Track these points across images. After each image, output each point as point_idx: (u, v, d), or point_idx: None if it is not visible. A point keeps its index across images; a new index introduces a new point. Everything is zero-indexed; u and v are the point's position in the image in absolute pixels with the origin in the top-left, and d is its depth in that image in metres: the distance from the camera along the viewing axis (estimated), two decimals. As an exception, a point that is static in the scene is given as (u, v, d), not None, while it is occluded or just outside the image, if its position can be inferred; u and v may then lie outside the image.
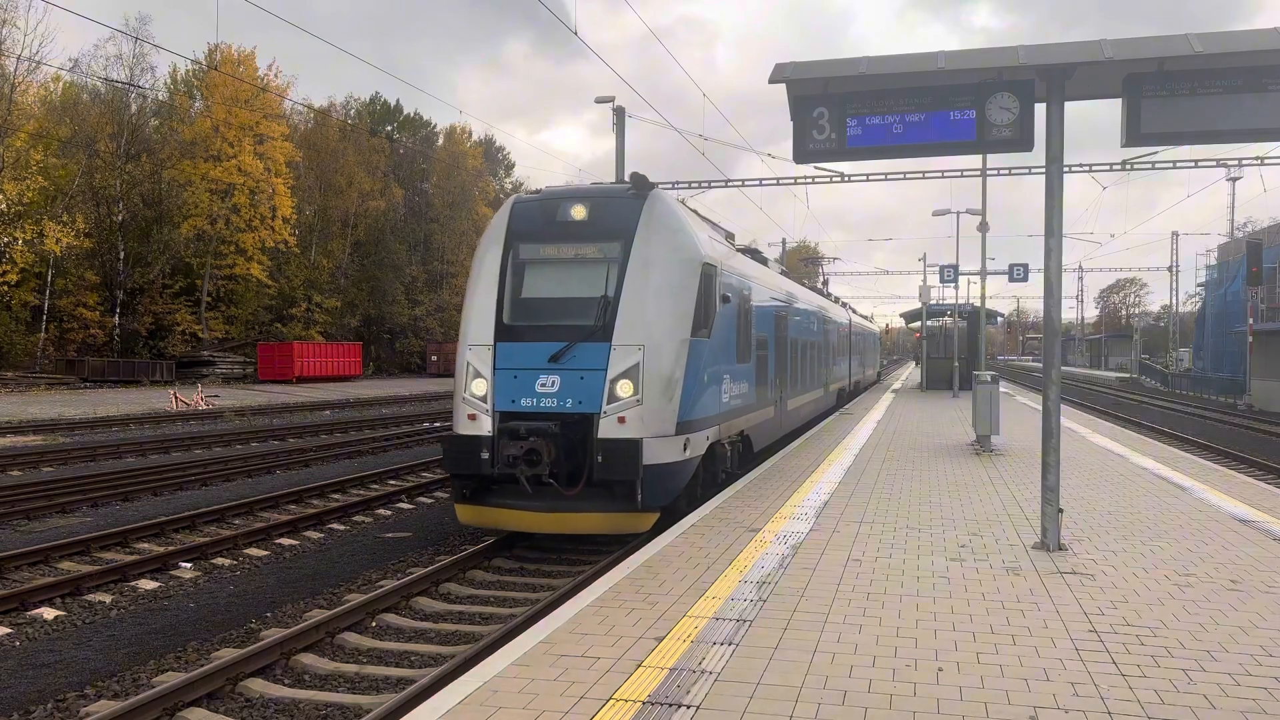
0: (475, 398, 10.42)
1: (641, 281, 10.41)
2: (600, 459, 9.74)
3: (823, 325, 24.50)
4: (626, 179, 12.20)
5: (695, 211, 13.38)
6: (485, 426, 10.22)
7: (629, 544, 10.50)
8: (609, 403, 9.94)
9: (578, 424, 10.06)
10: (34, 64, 48.04)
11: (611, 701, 4.92)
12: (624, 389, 9.94)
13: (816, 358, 23.00)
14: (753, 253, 17.30)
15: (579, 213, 10.94)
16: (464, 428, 10.41)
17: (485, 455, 10.10)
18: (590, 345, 10.19)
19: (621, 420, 9.86)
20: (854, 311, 39.76)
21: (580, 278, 10.73)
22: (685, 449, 10.47)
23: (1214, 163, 35.89)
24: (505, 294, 10.83)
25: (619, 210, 10.90)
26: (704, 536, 8.99)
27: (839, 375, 29.29)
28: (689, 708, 4.82)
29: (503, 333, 10.63)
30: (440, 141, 77.36)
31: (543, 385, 10.16)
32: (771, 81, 8.46)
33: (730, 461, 13.04)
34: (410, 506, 14.84)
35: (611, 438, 9.79)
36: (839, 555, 8.24)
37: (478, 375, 10.47)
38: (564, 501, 9.98)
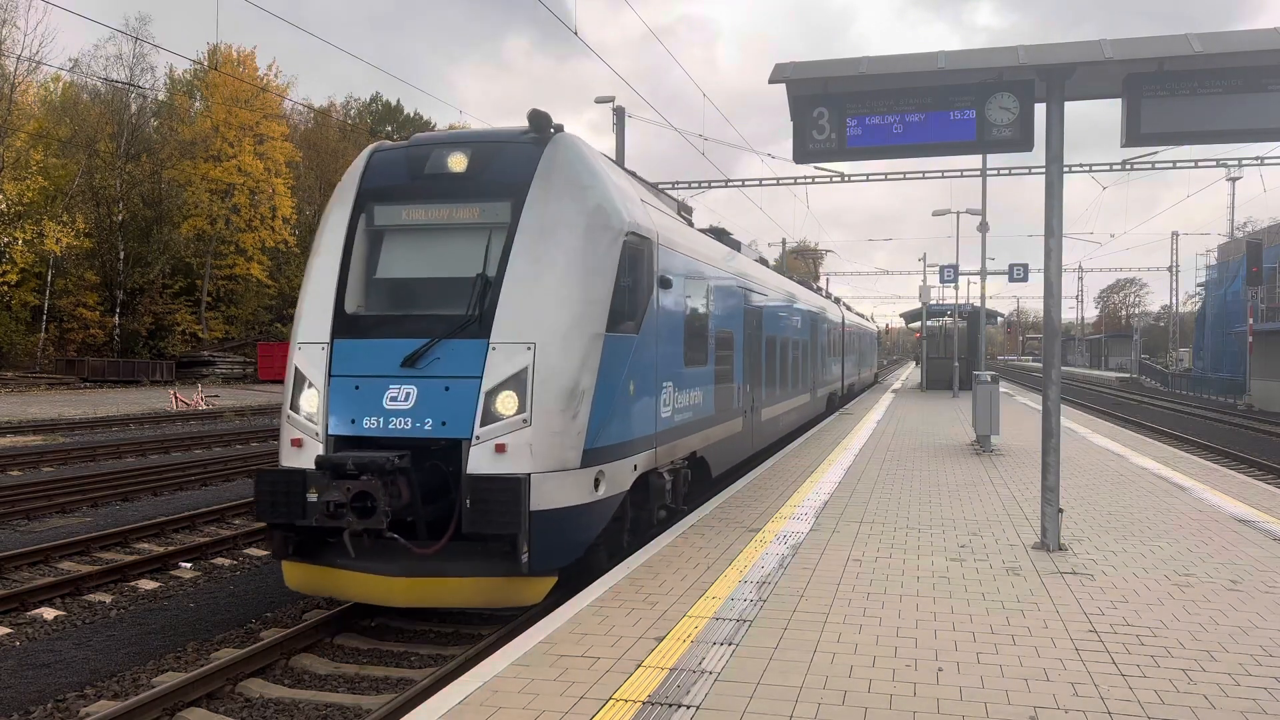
0: (303, 417, 7.83)
1: (535, 255, 7.79)
2: (469, 503, 7.07)
3: (811, 322, 22.41)
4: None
5: (632, 173, 10.78)
6: (313, 457, 7.53)
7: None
8: (484, 424, 7.33)
9: (442, 454, 7.62)
10: (34, 64, 48.14)
11: (611, 701, 4.92)
12: (505, 404, 7.36)
13: (802, 359, 20.76)
14: (717, 233, 14.66)
15: (456, 163, 8.29)
16: (287, 457, 7.85)
17: (313, 498, 7.40)
18: (460, 344, 7.60)
19: (500, 449, 7.27)
20: (849, 309, 38.46)
21: (451, 251, 8.19)
22: (597, 485, 7.88)
23: (1214, 163, 36.01)
24: (349, 273, 8.22)
25: (510, 160, 8.26)
26: (704, 536, 8.99)
27: (830, 378, 27.19)
28: (689, 708, 4.82)
29: (343, 326, 8.01)
30: (440, 141, 77.22)
31: (393, 400, 7.55)
32: (771, 81, 8.47)
33: (675, 494, 10.20)
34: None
35: (485, 474, 7.15)
36: (839, 555, 8.24)
37: (307, 385, 7.89)
38: (423, 562, 7.34)
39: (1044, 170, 8.54)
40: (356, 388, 7.75)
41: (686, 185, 35.89)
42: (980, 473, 13.61)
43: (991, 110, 8.20)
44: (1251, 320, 39.74)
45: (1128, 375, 76.54)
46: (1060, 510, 8.58)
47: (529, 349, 7.48)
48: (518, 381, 7.41)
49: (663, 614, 6.45)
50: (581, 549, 7.86)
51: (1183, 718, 4.72)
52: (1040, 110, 8.31)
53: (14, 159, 46.13)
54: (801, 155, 8.66)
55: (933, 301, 43.08)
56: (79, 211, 49.06)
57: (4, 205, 46.03)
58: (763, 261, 18.47)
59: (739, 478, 13.02)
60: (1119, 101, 8.15)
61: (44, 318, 49.23)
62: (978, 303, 32.88)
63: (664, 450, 9.68)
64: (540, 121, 8.43)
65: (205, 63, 54.16)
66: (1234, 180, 53.49)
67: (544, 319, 7.62)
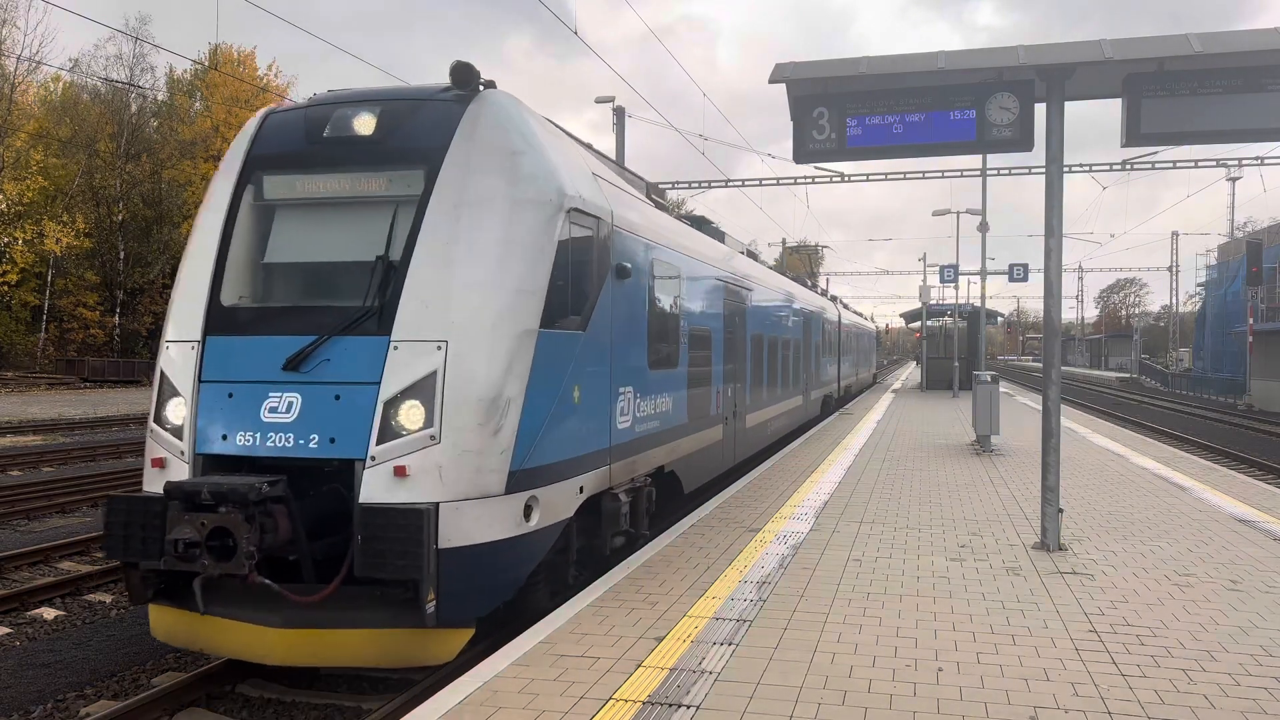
0: (167, 431, 6.58)
1: (450, 234, 6.53)
2: (361, 540, 5.80)
3: (804, 321, 21.34)
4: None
5: (588, 146, 9.21)
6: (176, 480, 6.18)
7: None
8: (381, 441, 6.06)
9: (332, 477, 6.34)
10: (34, 64, 48.19)
11: (611, 701, 4.92)
12: (409, 417, 6.10)
13: (794, 359, 19.57)
14: (697, 221, 13.65)
15: (362, 125, 7.01)
16: (148, 481, 6.60)
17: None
18: (354, 342, 6.35)
19: (400, 472, 6.00)
20: (845, 307, 37.67)
21: (352, 229, 6.92)
22: (528, 514, 6.62)
23: (1214, 163, 36.03)
24: (229, 257, 6.95)
25: (426, 121, 6.98)
26: (704, 536, 8.99)
27: (825, 379, 26.02)
28: (689, 708, 4.82)
29: (218, 321, 6.75)
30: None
31: (273, 411, 6.29)
32: (772, 81, 8.47)
33: (636, 517, 8.80)
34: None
35: (380, 504, 5.88)
36: (839, 555, 8.24)
37: (174, 393, 6.63)
38: (308, 611, 6.04)
39: (1044, 170, 8.54)
40: (230, 396, 6.45)
41: (686, 185, 35.93)
42: (980, 473, 13.62)
43: (991, 110, 8.21)
44: (1251, 320, 39.75)
45: (1128, 375, 76.57)
46: (1060, 510, 8.59)
47: (439, 348, 6.20)
48: (424, 388, 6.14)
49: (663, 614, 6.45)
50: (508, 592, 6.55)
51: (1183, 718, 4.72)
52: (1040, 110, 8.32)
53: (14, 159, 46.18)
54: (801, 155, 8.67)
55: (933, 301, 43.15)
56: (79, 211, 49.11)
57: (4, 205, 46.08)
58: (751, 255, 17.36)
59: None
60: (1119, 101, 8.16)
61: (44, 318, 49.26)
62: (978, 303, 32.90)
63: (621, 467, 8.38)
64: (464, 75, 7.05)
65: (205, 63, 54.22)
66: (1234, 180, 53.52)
67: (459, 312, 6.35)
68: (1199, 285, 60.84)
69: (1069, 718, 4.71)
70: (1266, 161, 33.89)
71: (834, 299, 34.08)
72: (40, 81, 53.18)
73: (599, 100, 27.02)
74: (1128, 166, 32.52)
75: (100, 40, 68.32)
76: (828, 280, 61.94)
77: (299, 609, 6.03)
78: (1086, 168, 33.85)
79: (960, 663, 5.50)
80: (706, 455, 11.91)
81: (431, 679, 6.69)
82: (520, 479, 6.51)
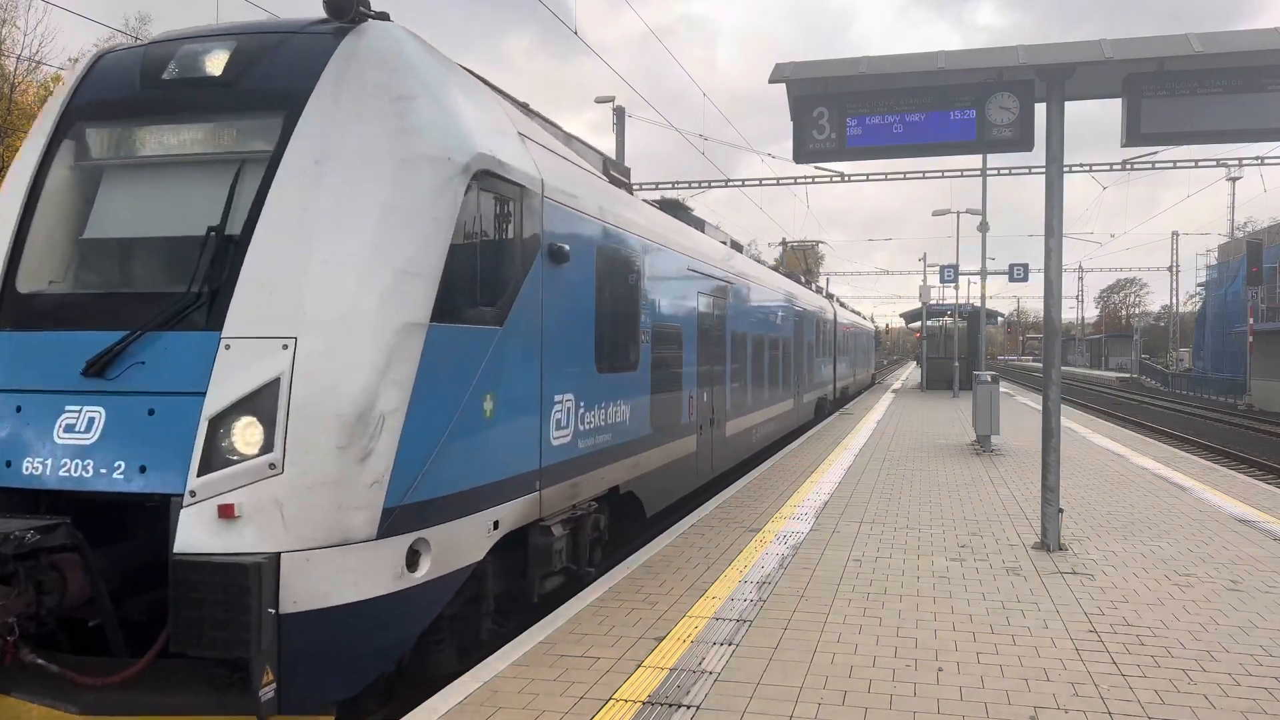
0: None
1: (308, 198, 5.09)
2: (174, 604, 4.45)
3: (795, 319, 20.14)
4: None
5: (516, 100, 7.59)
6: None
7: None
8: (205, 470, 4.65)
9: (145, 518, 4.95)
10: (34, 64, 48.16)
11: (611, 702, 4.92)
12: (242, 439, 4.70)
13: (782, 360, 18.19)
14: (671, 205, 12.55)
15: (212, 64, 5.56)
16: None
17: None
18: (175, 339, 4.96)
19: (228, 512, 4.57)
20: (842, 305, 36.83)
21: (188, 195, 5.46)
22: (415, 564, 5.20)
23: (1214, 163, 36.08)
24: (32, 231, 5.56)
25: (290, 59, 5.54)
26: (704, 536, 8.99)
27: (819, 381, 24.68)
28: (689, 708, 4.82)
29: (12, 312, 5.39)
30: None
31: (69, 429, 4.88)
32: (772, 81, 8.48)
33: (579, 552, 7.50)
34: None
35: (197, 556, 4.49)
36: (839, 555, 8.24)
37: None
38: (117, 694, 4.68)
39: (1044, 170, 8.55)
40: (19, 409, 5.02)
41: (687, 185, 35.91)
42: (980, 473, 13.62)
43: (991, 110, 8.21)
44: (1252, 320, 39.75)
45: (1128, 375, 76.58)
46: (1060, 510, 8.59)
47: (285, 347, 4.79)
48: (264, 401, 4.70)
49: (663, 614, 6.45)
50: (386, 662, 5.25)
51: (1183, 718, 4.72)
52: (1040, 110, 8.33)
53: (14, 159, 46.19)
54: (801, 155, 8.67)
55: (933, 301, 43.18)
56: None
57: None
58: (736, 247, 16.24)
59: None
60: (1119, 101, 8.16)
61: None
62: (978, 303, 32.91)
63: (556, 492, 6.98)
64: (341, 6, 5.58)
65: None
66: (1234, 180, 53.48)
67: (316, 299, 4.91)
68: (1199, 285, 60.90)
69: (1069, 718, 4.71)
70: (1266, 161, 33.92)
71: (830, 296, 33.82)
72: (40, 81, 53.20)
73: (599, 100, 27.03)
74: (1128, 166, 32.53)
75: (100, 40, 68.46)
76: (828, 280, 61.90)
77: (104, 692, 4.65)
78: (1086, 168, 33.88)
79: (960, 663, 5.50)
80: (676, 470, 10.51)
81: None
82: (401, 517, 5.05)
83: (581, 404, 7.51)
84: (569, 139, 8.61)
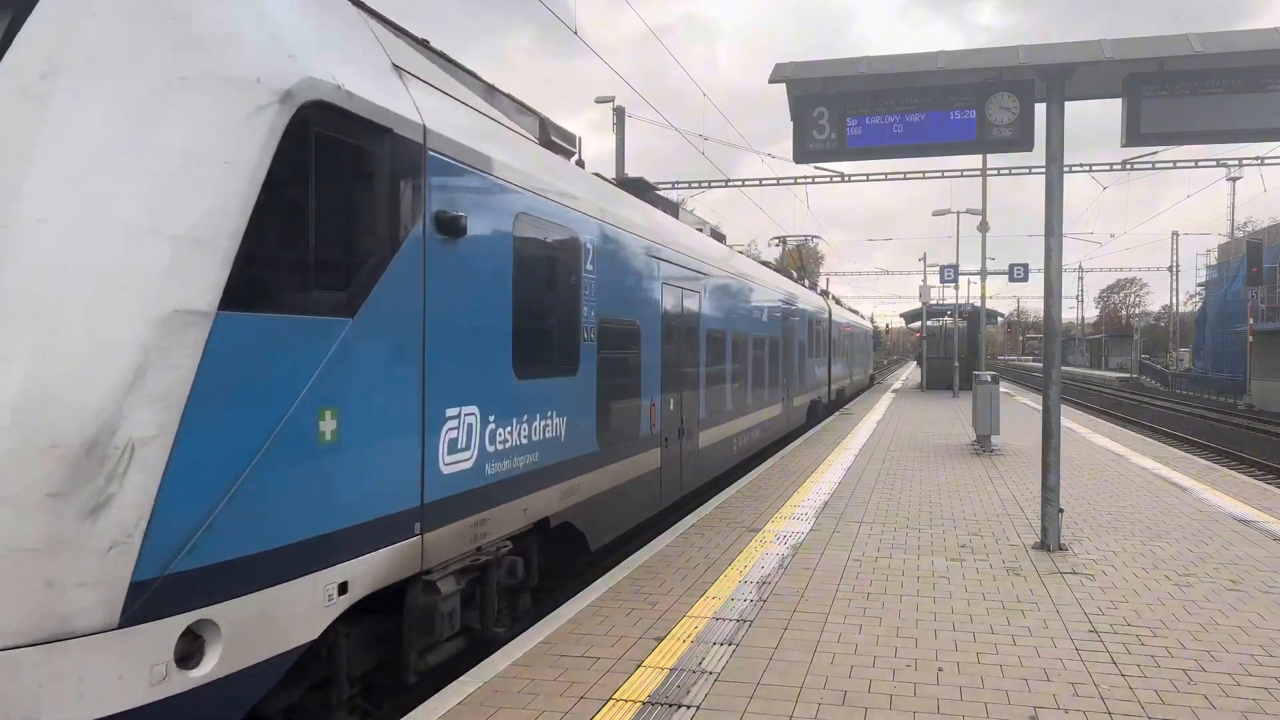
0: None
1: (24, 128, 3.63)
2: None
3: (784, 317, 18.76)
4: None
5: (394, 25, 6.00)
6: None
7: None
8: None
9: None
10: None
11: (611, 701, 4.92)
12: None
13: (769, 361, 16.83)
14: (636, 185, 11.16)
15: None
16: None
17: None
18: None
19: None
20: (838, 303, 35.57)
21: None
22: (195, 658, 3.82)
23: (1214, 163, 36.11)
24: None
25: None
26: (704, 536, 8.99)
27: (812, 383, 23.33)
28: (689, 708, 4.82)
29: None
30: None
31: None
32: (772, 81, 8.48)
33: (485, 609, 6.09)
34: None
35: None
36: (839, 555, 8.24)
37: None
38: None
39: (1044, 170, 8.55)
40: None
41: (687, 185, 35.92)
42: (980, 472, 13.62)
43: (991, 110, 8.21)
44: (1252, 320, 39.75)
45: (1128, 375, 76.58)
46: (1060, 510, 8.59)
47: None
48: None
49: (663, 614, 6.45)
50: None
51: (1183, 718, 4.72)
52: (1040, 110, 8.33)
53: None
54: (801, 155, 8.67)
55: (933, 301, 43.18)
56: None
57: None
58: (718, 236, 14.99)
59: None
60: (1119, 101, 8.16)
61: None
62: (978, 303, 32.91)
63: (447, 534, 5.53)
64: None
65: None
66: (1234, 180, 53.48)
67: (24, 274, 3.50)
68: (1199, 285, 60.91)
69: (1069, 718, 4.71)
70: (1266, 161, 33.91)
71: (825, 294, 33.42)
72: (40, 81, 53.20)
73: (599, 100, 27.02)
74: (1128, 166, 32.52)
75: (100, 40, 68.37)
76: (827, 280, 61.90)
77: None
78: (1086, 168, 33.86)
79: (960, 663, 5.51)
80: (630, 493, 8.97)
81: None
82: (165, 593, 3.63)
83: (491, 419, 6.02)
84: (491, 92, 7.18)
